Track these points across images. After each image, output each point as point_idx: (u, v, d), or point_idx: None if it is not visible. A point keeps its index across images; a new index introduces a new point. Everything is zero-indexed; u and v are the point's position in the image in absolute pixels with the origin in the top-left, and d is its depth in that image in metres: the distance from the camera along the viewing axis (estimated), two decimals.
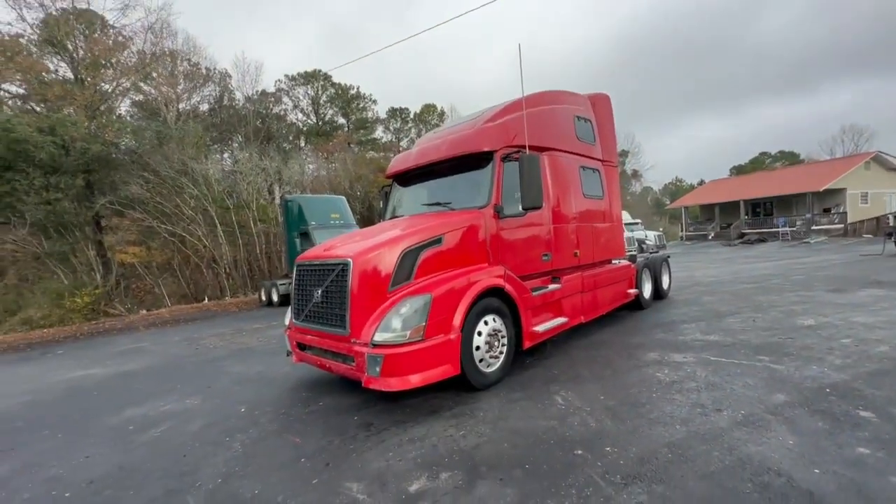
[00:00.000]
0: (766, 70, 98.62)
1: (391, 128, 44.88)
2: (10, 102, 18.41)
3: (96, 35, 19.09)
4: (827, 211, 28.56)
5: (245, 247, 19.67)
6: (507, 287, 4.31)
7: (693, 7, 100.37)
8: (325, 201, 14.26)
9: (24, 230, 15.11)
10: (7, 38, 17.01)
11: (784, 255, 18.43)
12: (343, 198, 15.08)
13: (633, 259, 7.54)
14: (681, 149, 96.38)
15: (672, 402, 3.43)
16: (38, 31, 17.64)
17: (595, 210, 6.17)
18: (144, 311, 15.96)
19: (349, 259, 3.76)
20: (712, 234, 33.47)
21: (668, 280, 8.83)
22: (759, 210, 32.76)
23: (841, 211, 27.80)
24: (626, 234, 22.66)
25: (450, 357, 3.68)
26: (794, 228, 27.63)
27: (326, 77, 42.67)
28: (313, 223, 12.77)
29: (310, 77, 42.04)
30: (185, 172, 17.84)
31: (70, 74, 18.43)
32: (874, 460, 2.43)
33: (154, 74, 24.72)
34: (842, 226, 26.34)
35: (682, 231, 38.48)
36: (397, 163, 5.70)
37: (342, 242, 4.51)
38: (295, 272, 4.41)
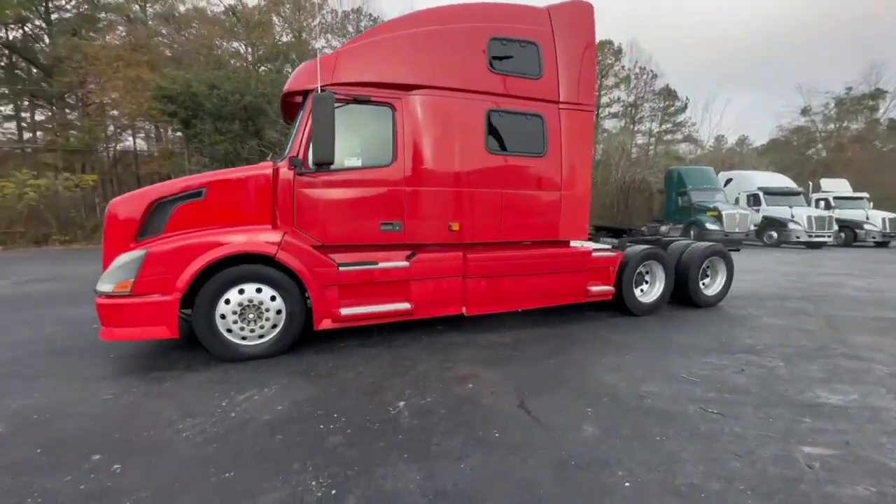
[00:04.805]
0: None
1: None
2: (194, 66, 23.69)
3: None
4: None
5: None
6: (281, 255, 3.66)
7: None
8: None
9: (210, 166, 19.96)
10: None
11: None
12: None
13: (621, 247, 5.39)
14: None
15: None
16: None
17: (516, 172, 4.55)
18: None
19: (108, 204, 3.76)
20: None
21: (720, 282, 6.08)
22: None
23: None
24: (824, 213, 15.58)
25: (165, 319, 3.42)
26: None
27: None
28: None
29: None
30: None
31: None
32: None
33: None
34: None
35: None
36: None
37: None
38: None
